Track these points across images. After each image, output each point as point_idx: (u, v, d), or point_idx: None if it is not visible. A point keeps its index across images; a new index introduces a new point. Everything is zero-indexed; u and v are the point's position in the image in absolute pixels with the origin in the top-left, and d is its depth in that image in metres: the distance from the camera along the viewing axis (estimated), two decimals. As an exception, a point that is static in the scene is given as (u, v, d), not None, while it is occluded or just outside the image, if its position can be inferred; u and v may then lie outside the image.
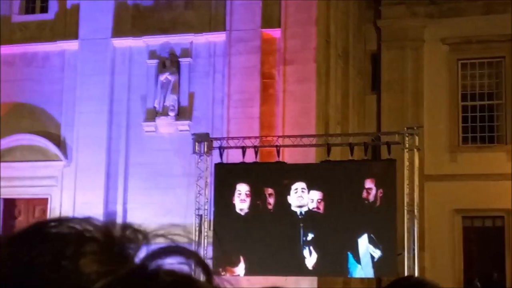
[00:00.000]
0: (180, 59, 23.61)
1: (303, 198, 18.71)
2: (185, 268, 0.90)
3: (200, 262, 0.91)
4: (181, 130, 23.08)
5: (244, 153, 19.25)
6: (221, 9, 23.53)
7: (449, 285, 23.34)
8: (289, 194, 18.77)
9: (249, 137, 19.99)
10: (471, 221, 26.69)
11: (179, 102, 23.40)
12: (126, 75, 24.02)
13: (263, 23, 23.17)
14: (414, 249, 18.20)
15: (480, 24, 26.56)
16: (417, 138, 18.79)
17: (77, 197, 23.21)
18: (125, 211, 23.04)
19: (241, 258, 18.90)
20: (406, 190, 18.56)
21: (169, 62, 23.50)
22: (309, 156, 20.63)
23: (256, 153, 19.41)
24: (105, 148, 23.67)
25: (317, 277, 20.49)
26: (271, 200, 18.89)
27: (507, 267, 25.32)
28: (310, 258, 18.61)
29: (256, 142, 19.98)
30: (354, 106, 26.82)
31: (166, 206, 22.42)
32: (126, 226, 0.93)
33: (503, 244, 25.77)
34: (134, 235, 0.92)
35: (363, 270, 18.45)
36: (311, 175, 18.99)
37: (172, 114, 23.26)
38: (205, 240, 19.57)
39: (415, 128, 19.24)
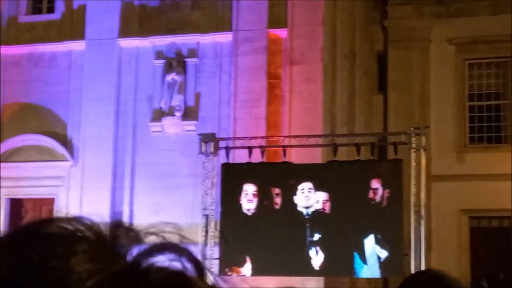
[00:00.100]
0: (186, 59, 23.62)
1: (309, 198, 18.69)
2: (177, 265, 0.90)
3: (192, 259, 0.91)
4: (187, 130, 23.09)
5: (250, 153, 19.24)
6: (228, 10, 23.53)
7: (456, 286, 23.27)
8: (295, 194, 18.76)
9: (256, 137, 19.99)
10: (478, 221, 26.65)
11: (185, 102, 23.41)
12: (133, 75, 24.04)
13: (270, 23, 23.16)
14: (420, 250, 18.17)
15: (487, 24, 26.50)
16: (423, 138, 18.76)
17: (84, 197, 23.24)
18: (131, 211, 23.06)
19: (247, 258, 18.89)
20: (413, 191, 18.53)
21: (176, 62, 23.51)
22: (315, 156, 20.62)
23: (262, 153, 19.40)
24: (111, 148, 23.70)
25: (324, 277, 20.47)
26: (278, 200, 18.88)
27: (514, 268, 25.27)
28: (317, 259, 18.60)
29: (263, 142, 19.98)
30: (361, 106, 26.79)
31: (172, 206, 22.43)
32: (117, 225, 0.92)
33: (510, 244, 25.69)
34: (125, 234, 0.91)
35: (369, 270, 18.43)
36: (318, 175, 18.97)
37: (178, 114, 23.27)
38: (212, 240, 19.56)
39: (421, 128, 19.20)
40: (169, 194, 22.72)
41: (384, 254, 18.13)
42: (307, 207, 18.72)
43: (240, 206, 19.02)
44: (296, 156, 19.97)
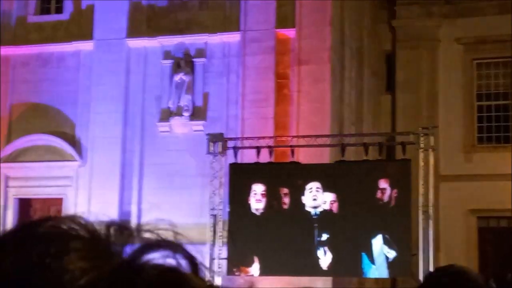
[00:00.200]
0: (194, 60, 23.64)
1: (317, 198, 18.68)
2: (172, 261, 0.90)
3: (187, 255, 0.91)
4: (195, 130, 23.10)
5: (258, 153, 19.24)
6: (236, 10, 23.54)
7: (464, 286, 23.22)
8: (303, 194, 18.76)
9: (264, 137, 19.99)
10: (486, 221, 26.60)
11: (193, 102, 23.43)
12: (141, 76, 24.07)
13: (278, 23, 23.16)
14: (429, 250, 18.14)
15: (496, 23, 26.45)
16: (432, 138, 18.73)
17: (92, 197, 23.27)
18: (139, 211, 23.09)
19: (255, 258, 18.89)
20: (421, 191, 18.50)
21: (184, 62, 23.53)
22: (323, 156, 20.61)
23: (270, 153, 19.39)
24: (119, 148, 23.73)
25: (332, 278, 20.46)
26: (286, 200, 18.87)
27: (522, 268, 25.21)
28: (325, 259, 18.59)
29: (271, 142, 19.98)
30: (369, 106, 26.77)
31: (180, 206, 22.44)
32: (112, 223, 0.93)
33: (519, 244, 25.65)
34: (120, 232, 0.92)
35: (377, 270, 18.41)
36: (326, 175, 18.96)
37: (186, 114, 23.29)
38: (220, 240, 19.57)
39: (430, 128, 19.17)
40: (177, 194, 22.73)
41: (392, 254, 18.11)
42: (315, 207, 18.71)
43: (248, 206, 19.01)
44: (304, 156, 19.96)
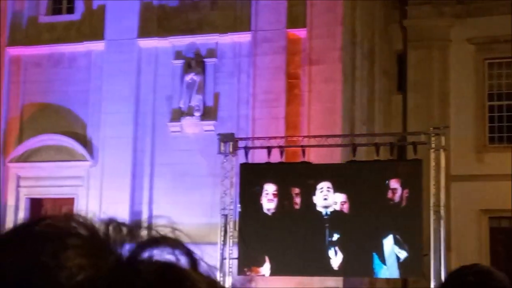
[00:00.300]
0: (205, 60, 23.65)
1: (328, 198, 18.66)
2: (170, 258, 0.90)
3: (186, 251, 0.91)
4: (206, 130, 23.12)
5: (269, 153, 19.22)
6: (246, 10, 23.54)
7: (475, 286, 23.15)
8: (314, 194, 18.74)
9: (275, 137, 19.97)
10: (498, 221, 26.51)
11: (204, 102, 23.44)
12: (152, 76, 24.10)
13: (289, 23, 23.15)
14: (440, 250, 18.09)
15: (507, 23, 26.35)
16: (443, 138, 18.68)
17: (103, 197, 23.32)
18: (150, 211, 23.12)
19: (266, 258, 18.88)
20: (432, 191, 18.45)
21: (195, 62, 23.55)
22: (334, 156, 20.59)
23: (281, 153, 19.38)
24: (131, 148, 23.77)
25: (343, 278, 20.44)
26: (298, 200, 18.86)
27: (534, 268, 25.11)
28: (336, 259, 18.57)
29: (282, 142, 19.96)
30: (380, 106, 26.73)
31: (191, 206, 22.47)
32: (111, 221, 0.92)
33: (531, 245, 25.57)
34: (119, 229, 0.92)
35: (388, 270, 18.38)
36: (337, 175, 18.93)
37: (197, 114, 23.31)
38: (230, 240, 19.56)
39: (441, 128, 19.13)
40: (188, 194, 22.76)
41: (403, 254, 18.07)
42: (326, 207, 18.69)
43: (260, 205, 19.00)
44: (315, 156, 19.94)
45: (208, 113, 23.40)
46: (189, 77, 23.45)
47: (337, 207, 18.64)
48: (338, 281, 20.53)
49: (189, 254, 0.91)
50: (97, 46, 24.61)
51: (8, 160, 24.79)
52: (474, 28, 27.06)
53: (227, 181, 19.83)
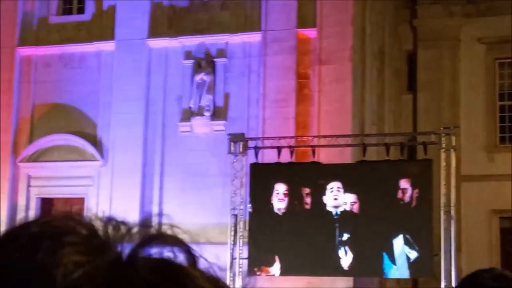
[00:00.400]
0: (215, 60, 23.67)
1: (338, 198, 18.64)
2: (169, 254, 0.90)
3: (185, 248, 0.91)
4: (216, 130, 23.13)
5: (279, 153, 19.22)
6: (256, 10, 23.54)
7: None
8: (324, 194, 18.73)
9: (285, 137, 19.97)
10: (509, 221, 26.43)
11: (214, 102, 23.46)
12: (162, 76, 24.13)
13: (299, 23, 23.14)
14: (450, 250, 18.06)
15: (518, 23, 26.29)
16: (453, 138, 18.64)
17: (114, 197, 23.35)
18: (160, 211, 23.12)
19: (276, 258, 18.88)
20: (443, 191, 18.41)
21: (205, 62, 23.57)
22: (344, 156, 20.57)
23: (291, 153, 19.38)
24: (141, 148, 23.80)
25: (353, 278, 20.42)
26: (308, 200, 18.85)
27: (545, 269, 25.00)
28: (346, 259, 18.55)
29: (292, 142, 19.96)
30: (390, 106, 26.69)
31: (201, 206, 22.49)
32: (110, 219, 0.92)
33: (541, 245, 25.49)
34: (117, 227, 0.92)
35: (398, 271, 18.35)
36: (347, 175, 18.92)
37: (207, 114, 23.32)
38: (241, 240, 19.57)
39: (451, 128, 19.09)
40: (198, 194, 22.77)
41: (413, 254, 18.04)
42: (336, 207, 18.68)
43: (271, 205, 19.00)
44: (325, 156, 19.93)
45: (218, 113, 23.42)
46: (199, 77, 23.47)
47: (347, 207, 18.62)
48: (348, 281, 20.51)
49: (188, 251, 0.91)
50: (107, 46, 24.65)
51: (18, 160, 24.86)
52: (485, 28, 26.99)
53: (237, 181, 19.83)
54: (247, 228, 19.52)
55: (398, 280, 22.79)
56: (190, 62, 23.84)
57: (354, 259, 18.49)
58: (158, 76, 24.15)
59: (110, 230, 0.91)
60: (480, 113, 26.97)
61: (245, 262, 19.30)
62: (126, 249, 0.89)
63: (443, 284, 17.91)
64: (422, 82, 27.42)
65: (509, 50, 26.96)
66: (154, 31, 24.28)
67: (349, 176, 18.88)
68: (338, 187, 18.68)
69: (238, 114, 23.25)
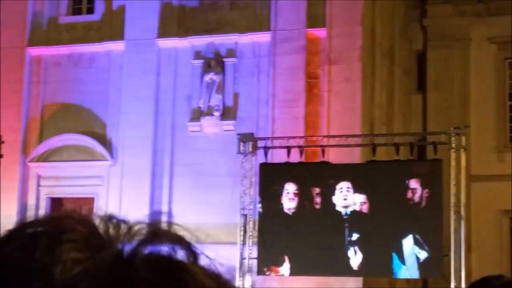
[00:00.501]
0: (225, 59, 23.67)
1: (348, 198, 18.63)
2: (169, 251, 0.89)
3: (186, 246, 0.90)
4: (226, 130, 23.14)
5: (289, 153, 19.22)
6: (266, 9, 23.54)
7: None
8: (333, 194, 18.71)
9: (294, 137, 19.97)
10: (519, 222, 26.37)
11: (224, 102, 23.46)
12: (172, 76, 24.15)
13: (308, 23, 23.13)
14: (460, 250, 18.02)
15: (528, 22, 26.20)
16: (463, 138, 18.60)
17: (123, 197, 23.39)
18: (170, 211, 23.15)
19: (286, 258, 18.87)
20: (453, 191, 18.37)
21: (214, 62, 23.58)
22: (354, 156, 20.54)
23: (301, 153, 19.37)
24: (150, 148, 23.82)
25: (362, 278, 20.40)
26: (318, 200, 18.84)
27: (555, 269, 24.95)
28: (355, 259, 18.53)
29: (301, 142, 19.95)
30: (400, 106, 26.64)
31: (211, 206, 22.50)
32: (111, 218, 0.92)
33: (552, 245, 25.40)
34: (117, 226, 0.91)
35: (408, 271, 18.32)
36: (356, 175, 18.90)
37: (217, 114, 23.33)
38: (250, 240, 19.57)
39: (461, 128, 19.04)
40: (207, 193, 22.78)
41: (423, 254, 18.01)
42: (345, 207, 18.67)
43: (280, 205, 18.99)
44: (334, 156, 19.91)
45: (227, 113, 23.42)
46: (208, 77, 23.48)
47: (357, 208, 18.61)
48: (358, 281, 20.49)
49: (189, 248, 0.90)
50: (116, 46, 24.68)
51: (28, 159, 24.92)
52: (495, 27, 26.90)
53: (247, 181, 19.83)
54: (256, 228, 19.52)
55: (407, 280, 22.76)
56: (199, 62, 23.85)
57: (363, 259, 18.47)
58: (168, 76, 24.17)
59: (110, 228, 0.90)
60: (490, 113, 26.90)
61: (255, 262, 19.30)
62: (128, 247, 0.88)
63: (452, 285, 17.87)
64: (432, 81, 27.37)
65: (519, 49, 26.90)
66: (164, 31, 24.30)
67: (358, 176, 18.86)
68: (348, 187, 18.66)
69: (248, 114, 23.25)
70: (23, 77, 25.34)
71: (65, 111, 25.04)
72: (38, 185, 24.91)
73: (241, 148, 19.91)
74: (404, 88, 27.43)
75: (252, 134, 20.33)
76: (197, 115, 23.61)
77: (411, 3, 28.25)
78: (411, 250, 18.11)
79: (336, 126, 21.76)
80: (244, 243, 19.50)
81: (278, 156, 19.77)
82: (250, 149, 19.87)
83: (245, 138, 19.98)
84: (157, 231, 0.91)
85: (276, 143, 20.11)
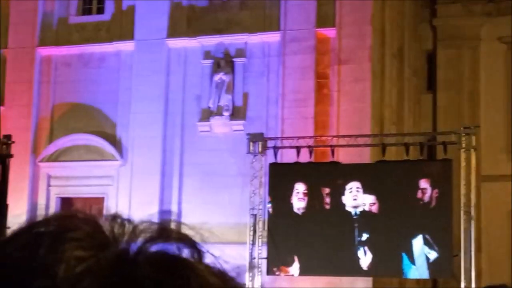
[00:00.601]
0: (234, 59, 23.67)
1: (357, 198, 18.61)
2: (174, 249, 0.89)
3: (191, 244, 0.90)
4: (235, 130, 23.13)
5: (298, 153, 19.21)
6: (276, 9, 23.53)
7: (506, 287, 22.97)
8: (343, 194, 18.70)
9: (304, 137, 19.96)
10: (529, 222, 26.30)
11: (233, 102, 23.46)
12: (181, 76, 24.16)
13: (318, 23, 23.11)
14: (470, 251, 17.97)
15: (539, 22, 26.14)
16: (473, 137, 18.56)
17: (133, 197, 23.41)
18: (180, 210, 23.17)
19: (295, 258, 18.87)
20: (463, 191, 18.34)
21: (224, 62, 23.58)
22: (364, 156, 20.52)
23: (310, 153, 19.36)
24: (160, 148, 23.85)
25: (372, 278, 20.38)
26: (328, 200, 18.83)
27: None
28: (365, 259, 18.51)
29: (311, 142, 19.94)
30: (410, 106, 26.61)
31: (220, 205, 22.51)
32: (116, 217, 0.92)
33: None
34: (122, 225, 0.91)
35: (417, 271, 18.29)
36: (366, 175, 18.88)
37: (226, 114, 23.33)
38: (260, 240, 19.57)
39: (472, 127, 19.00)
40: (217, 193, 22.79)
41: (433, 255, 17.98)
42: (355, 207, 18.65)
43: (290, 205, 18.99)
44: (344, 156, 19.89)
45: (237, 113, 23.42)
46: (218, 77, 23.48)
47: (366, 208, 18.59)
48: (368, 281, 20.47)
49: (194, 246, 0.90)
50: (126, 46, 24.72)
51: (38, 159, 24.98)
52: (505, 27, 26.85)
53: (256, 181, 19.84)
54: (266, 228, 19.52)
55: (417, 281, 22.72)
56: (209, 62, 23.86)
57: (373, 259, 18.45)
58: (177, 76, 24.18)
59: (115, 227, 0.90)
60: (501, 113, 26.84)
61: (264, 262, 19.30)
62: (133, 246, 0.88)
63: (463, 285, 17.83)
64: (442, 81, 27.33)
65: (529, 49, 26.83)
66: (173, 31, 24.32)
67: (368, 176, 18.84)
68: (358, 187, 18.65)
69: (257, 114, 23.25)
70: (33, 77, 25.40)
71: (75, 111, 25.09)
72: (48, 185, 24.97)
73: (251, 148, 19.91)
74: (414, 88, 27.39)
75: (261, 134, 20.34)
76: (207, 115, 23.62)
77: (421, 3, 28.22)
78: (421, 250, 18.08)
79: (345, 126, 21.74)
80: (253, 243, 19.51)
81: (288, 156, 19.76)
82: (260, 149, 19.87)
83: (254, 138, 19.99)
84: (162, 230, 0.91)
85: (286, 143, 20.10)
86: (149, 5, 24.34)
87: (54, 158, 24.98)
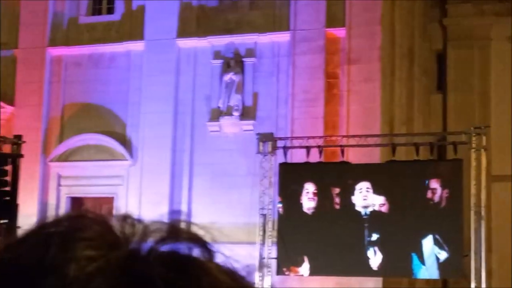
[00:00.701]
0: (244, 59, 23.68)
1: (367, 198, 18.60)
2: (184, 248, 0.89)
3: (202, 244, 0.90)
4: (245, 130, 23.14)
5: (308, 153, 19.21)
6: (285, 9, 23.53)
7: (516, 288, 22.95)
8: (353, 194, 18.68)
9: (313, 137, 19.95)
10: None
11: (243, 102, 23.47)
12: (191, 75, 24.18)
13: (327, 23, 23.10)
14: (481, 251, 17.93)
15: (549, 22, 26.04)
16: (484, 138, 18.52)
17: (143, 196, 23.44)
18: (189, 210, 23.19)
19: (305, 258, 18.86)
20: (473, 191, 18.29)
21: (234, 62, 23.59)
22: (373, 156, 20.50)
23: (320, 153, 19.35)
24: (170, 147, 23.87)
25: (382, 278, 20.35)
26: (338, 200, 18.82)
27: None
28: (375, 259, 18.49)
29: (320, 142, 19.93)
30: (419, 106, 26.55)
31: (230, 205, 22.51)
32: (126, 217, 0.92)
33: None
34: (132, 225, 0.91)
35: (427, 271, 18.26)
36: (376, 175, 18.87)
37: (236, 114, 23.34)
38: (269, 240, 19.57)
39: (482, 127, 18.95)
40: (226, 193, 22.80)
41: (443, 255, 17.94)
42: (365, 207, 18.63)
43: (300, 205, 18.98)
44: (354, 156, 19.87)
45: (247, 113, 23.42)
46: (228, 77, 23.49)
47: (376, 208, 18.57)
48: (377, 281, 20.44)
49: (204, 245, 0.90)
50: (136, 46, 24.75)
51: (49, 159, 25.04)
52: (516, 27, 26.76)
53: (266, 181, 19.84)
54: (275, 228, 19.52)
55: (427, 281, 22.68)
56: (219, 62, 23.88)
57: (383, 259, 18.43)
58: (187, 75, 24.21)
59: (126, 227, 0.91)
60: (511, 113, 26.74)
61: (274, 262, 19.30)
62: (144, 246, 0.89)
63: (473, 285, 17.79)
64: (452, 81, 27.27)
65: (540, 49, 26.73)
66: (183, 31, 24.34)
67: (378, 176, 18.82)
68: (367, 187, 18.63)
69: (267, 114, 23.25)
70: (44, 77, 25.47)
71: (85, 111, 25.14)
72: (59, 185, 25.03)
73: (261, 148, 19.92)
74: (424, 88, 27.34)
75: (271, 134, 20.34)
76: (217, 115, 23.63)
77: (431, 2, 28.16)
78: (431, 250, 18.05)
79: (355, 126, 21.72)
80: (263, 243, 19.51)
81: (297, 156, 19.76)
82: (270, 149, 19.87)
83: (264, 138, 19.99)
84: (172, 230, 0.91)
85: (296, 143, 20.10)
86: (159, 5, 24.37)
87: (64, 158, 25.04)
